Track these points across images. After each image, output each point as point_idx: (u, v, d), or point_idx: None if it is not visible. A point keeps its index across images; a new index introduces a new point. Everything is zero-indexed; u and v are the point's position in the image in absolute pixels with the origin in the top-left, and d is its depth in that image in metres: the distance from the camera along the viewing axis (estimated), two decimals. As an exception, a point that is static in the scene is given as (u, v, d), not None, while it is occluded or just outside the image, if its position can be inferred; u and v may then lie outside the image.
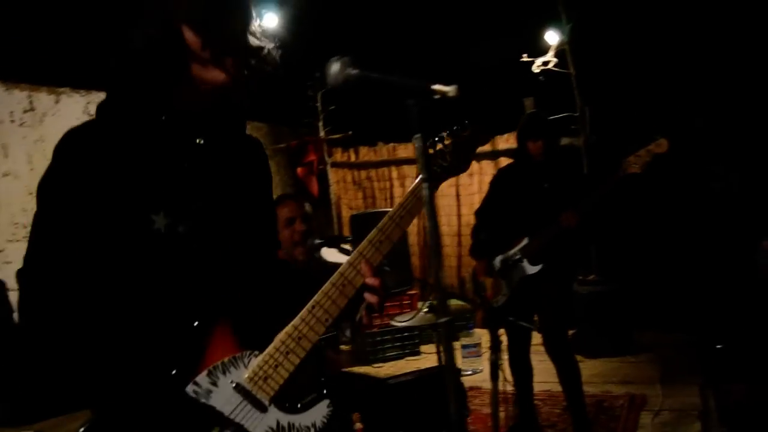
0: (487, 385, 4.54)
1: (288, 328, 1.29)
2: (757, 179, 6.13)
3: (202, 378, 1.23)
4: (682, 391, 4.15)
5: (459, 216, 7.11)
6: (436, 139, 1.38)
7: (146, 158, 1.24)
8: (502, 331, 2.63)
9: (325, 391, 1.27)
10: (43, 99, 5.36)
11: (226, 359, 1.26)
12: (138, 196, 1.22)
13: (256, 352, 1.28)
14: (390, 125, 7.11)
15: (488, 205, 3.74)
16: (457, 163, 1.40)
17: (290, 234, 2.70)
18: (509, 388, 3.33)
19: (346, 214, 7.26)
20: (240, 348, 1.28)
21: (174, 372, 1.22)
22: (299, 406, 1.27)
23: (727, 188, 6.51)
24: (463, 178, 7.05)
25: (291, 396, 1.27)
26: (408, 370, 3.92)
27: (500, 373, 2.40)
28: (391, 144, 7.28)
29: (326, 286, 1.30)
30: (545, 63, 5.17)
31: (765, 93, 5.63)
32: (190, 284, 1.26)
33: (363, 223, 6.16)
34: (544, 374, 4.28)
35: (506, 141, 6.89)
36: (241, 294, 1.32)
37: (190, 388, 1.22)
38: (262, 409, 1.25)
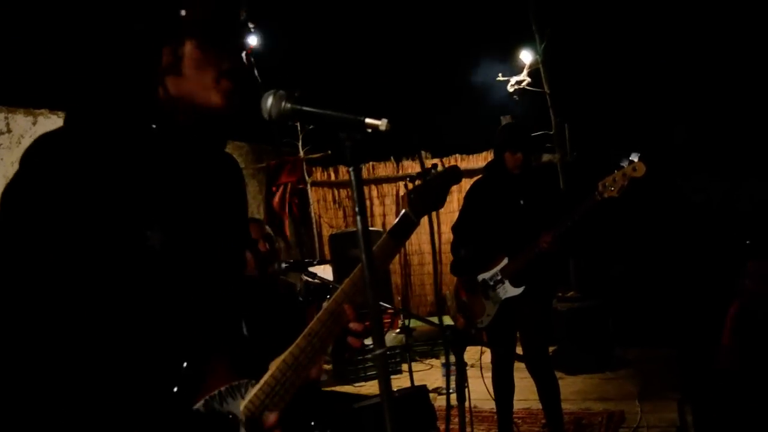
0: (466, 403, 4.62)
1: (286, 357, 1.25)
2: (739, 190, 6.19)
3: (199, 407, 1.17)
4: (660, 407, 4.16)
5: (439, 234, 7.14)
6: (410, 179, 1.45)
7: (135, 169, 1.14)
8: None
9: (312, 423, 1.25)
10: (20, 121, 5.34)
11: (223, 388, 1.19)
12: (130, 209, 1.10)
13: (253, 381, 1.23)
14: (369, 144, 7.15)
15: (464, 220, 3.71)
16: (432, 200, 1.43)
17: (252, 256, 2.75)
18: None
19: (326, 232, 7.26)
20: (236, 376, 1.21)
21: (171, 402, 1.14)
22: None
23: (708, 201, 6.56)
24: (403, 200, 7.11)
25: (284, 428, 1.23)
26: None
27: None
28: (371, 163, 7.30)
29: (321, 314, 1.27)
30: (519, 82, 5.22)
31: (747, 101, 5.70)
32: (188, 307, 1.18)
33: (342, 242, 6.17)
34: (525, 392, 4.29)
35: (484, 159, 6.96)
36: (233, 317, 1.29)
37: (189, 417, 1.15)
38: None
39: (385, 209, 7.23)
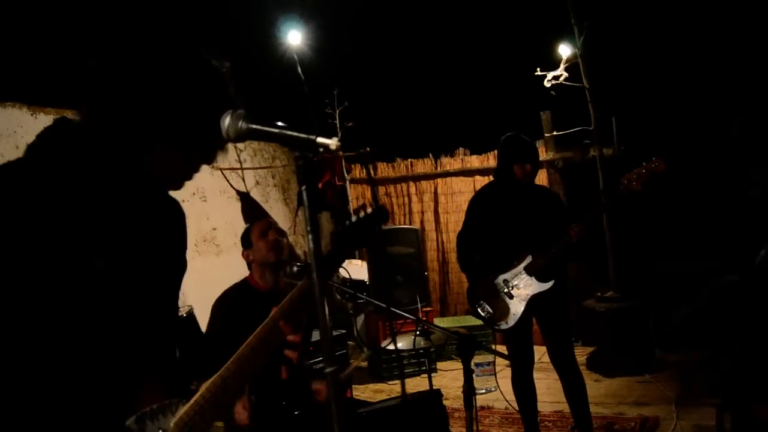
0: (499, 404, 4.58)
1: (215, 379, 1.32)
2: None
3: (131, 423, 1.24)
4: (697, 413, 4.02)
5: (441, 243, 7.09)
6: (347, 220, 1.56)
7: (85, 204, 1.21)
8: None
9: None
10: None
11: (155, 406, 1.27)
12: (78, 235, 1.18)
13: (184, 401, 1.30)
14: (408, 141, 7.13)
15: (473, 226, 3.70)
16: (362, 237, 1.56)
17: (265, 243, 2.96)
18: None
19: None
20: (168, 395, 1.29)
21: (104, 417, 1.22)
22: None
23: (766, 195, 6.27)
24: (442, 197, 7.06)
25: None
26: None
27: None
28: (409, 160, 7.28)
29: (251, 339, 1.35)
30: (556, 77, 5.09)
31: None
32: (124, 328, 1.25)
33: (378, 239, 6.17)
34: (558, 394, 4.22)
35: (481, 161, 6.85)
36: (166, 341, 1.35)
37: None
38: None
39: (423, 206, 7.20)
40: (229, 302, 2.91)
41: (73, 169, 1.20)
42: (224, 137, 1.14)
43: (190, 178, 1.34)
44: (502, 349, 3.76)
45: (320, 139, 1.08)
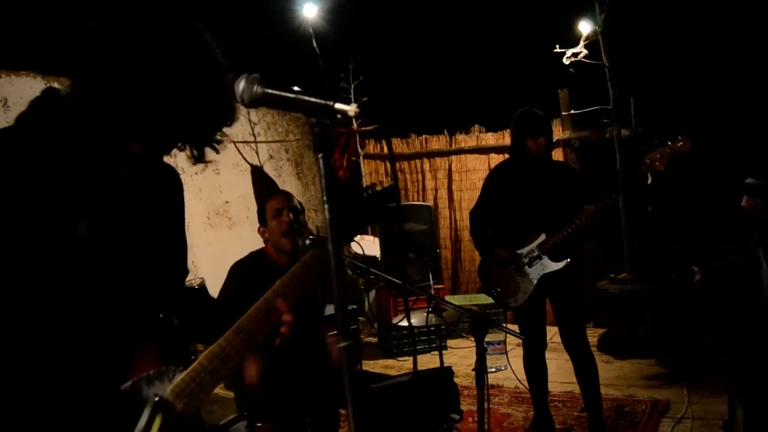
0: (509, 383, 4.57)
1: (214, 348, 1.32)
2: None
3: (126, 387, 1.24)
4: (709, 399, 3.98)
5: (454, 221, 7.04)
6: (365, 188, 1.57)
7: (71, 173, 1.21)
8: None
9: (244, 413, 1.29)
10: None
11: (151, 372, 1.27)
12: (62, 202, 1.18)
13: (181, 368, 1.30)
14: (423, 117, 7.06)
15: (486, 204, 3.65)
16: (372, 213, 1.56)
17: (278, 224, 2.84)
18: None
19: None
20: (165, 362, 1.29)
21: (99, 382, 1.22)
22: (221, 423, 1.28)
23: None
24: (456, 174, 7.00)
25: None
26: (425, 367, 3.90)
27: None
28: (423, 136, 7.20)
29: (251, 311, 1.36)
30: (575, 54, 4.99)
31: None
32: (116, 296, 1.25)
33: (390, 215, 6.14)
34: (568, 375, 4.20)
35: (496, 139, 6.77)
36: (164, 308, 1.34)
37: (114, 397, 1.22)
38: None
39: (437, 183, 7.14)
40: (245, 270, 2.87)
41: (58, 138, 1.19)
42: (238, 102, 1.11)
43: (167, 153, 1.33)
44: (514, 327, 3.74)
45: (338, 105, 1.05)
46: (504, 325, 5.38)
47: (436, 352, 5.76)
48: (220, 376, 1.29)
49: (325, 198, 1.05)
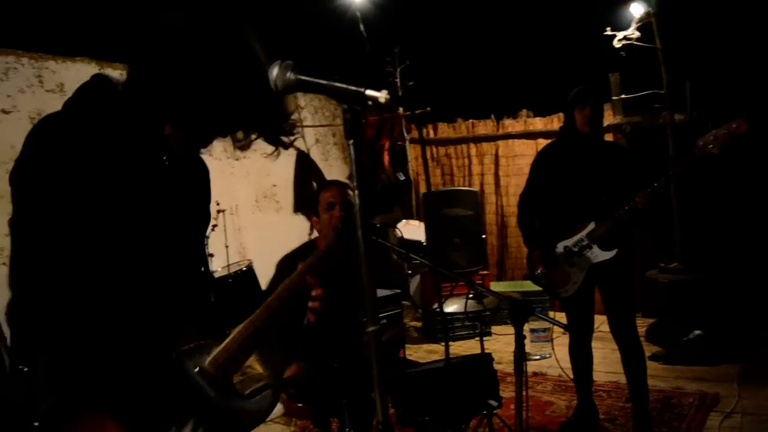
0: (553, 371, 4.53)
1: (246, 324, 1.42)
2: None
3: (175, 357, 1.34)
4: (761, 393, 3.86)
5: (500, 206, 6.95)
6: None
7: (122, 156, 1.28)
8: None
9: (270, 383, 1.37)
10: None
11: (192, 345, 1.36)
12: (116, 185, 1.25)
13: (217, 342, 1.39)
14: (469, 102, 6.98)
15: (535, 188, 3.57)
16: (383, 204, 1.68)
17: (329, 218, 2.81)
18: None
19: (424, 190, 7.24)
20: (203, 336, 1.38)
21: (155, 350, 1.30)
22: (247, 393, 1.36)
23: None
24: (503, 160, 6.89)
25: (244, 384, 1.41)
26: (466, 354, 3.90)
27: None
28: (470, 120, 7.13)
29: (279, 290, 1.46)
30: (626, 37, 4.84)
31: None
32: (161, 270, 1.33)
33: (433, 200, 6.13)
34: (614, 365, 4.14)
35: (545, 124, 6.62)
36: (200, 285, 1.43)
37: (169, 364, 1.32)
38: (220, 393, 1.35)
39: (483, 168, 7.06)
40: (295, 262, 2.90)
41: (107, 123, 1.25)
42: (272, 88, 1.12)
43: (205, 146, 1.41)
44: (561, 315, 3.69)
45: (369, 92, 1.04)
46: (551, 313, 5.36)
47: (486, 338, 5.78)
48: (252, 350, 1.40)
49: (355, 183, 1.05)
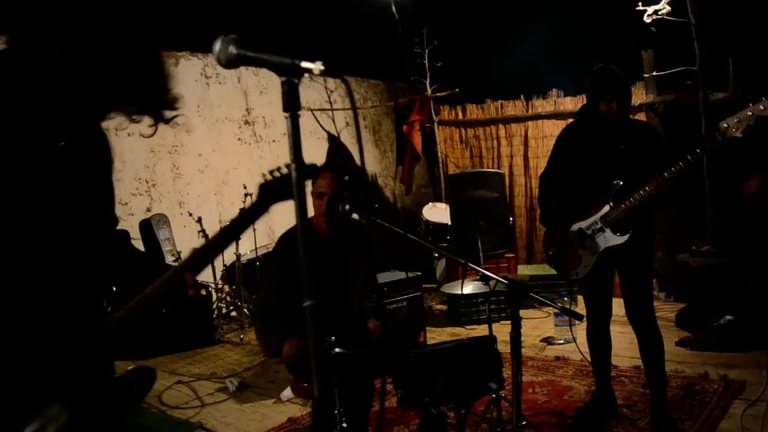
0: (576, 356, 4.45)
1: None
2: None
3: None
4: (792, 381, 3.72)
5: (530, 188, 6.82)
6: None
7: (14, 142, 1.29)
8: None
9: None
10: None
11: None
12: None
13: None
14: (498, 82, 6.86)
15: (555, 168, 3.48)
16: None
17: (318, 206, 2.88)
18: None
19: (453, 172, 7.18)
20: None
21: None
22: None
23: None
24: (533, 141, 6.74)
25: None
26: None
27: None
28: (499, 101, 7.02)
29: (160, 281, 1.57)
30: (657, 12, 4.66)
31: None
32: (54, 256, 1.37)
33: (460, 182, 6.06)
34: (636, 349, 4.04)
35: (575, 104, 6.45)
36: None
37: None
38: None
39: (512, 150, 6.95)
40: (292, 241, 2.93)
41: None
42: (216, 62, 1.12)
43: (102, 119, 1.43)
44: (579, 299, 3.61)
45: (304, 64, 1.03)
46: (568, 298, 5.24)
47: (505, 322, 5.72)
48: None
49: (291, 158, 1.04)
